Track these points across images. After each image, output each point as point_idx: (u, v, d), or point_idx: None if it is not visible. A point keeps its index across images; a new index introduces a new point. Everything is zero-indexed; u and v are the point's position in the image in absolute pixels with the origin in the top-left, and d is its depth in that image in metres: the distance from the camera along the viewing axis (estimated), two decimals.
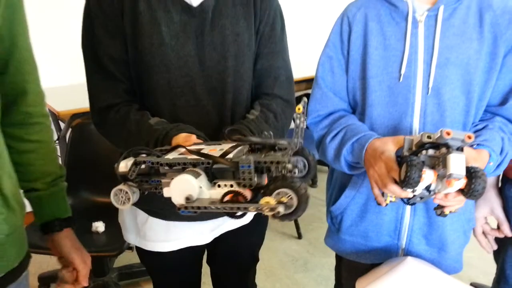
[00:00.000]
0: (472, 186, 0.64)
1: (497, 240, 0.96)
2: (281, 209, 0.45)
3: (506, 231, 0.92)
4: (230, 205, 0.47)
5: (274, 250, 2.06)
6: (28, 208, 0.74)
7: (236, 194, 0.48)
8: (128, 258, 1.83)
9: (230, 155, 0.51)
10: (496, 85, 0.81)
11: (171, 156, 0.55)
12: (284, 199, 0.46)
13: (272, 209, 0.46)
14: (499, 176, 0.95)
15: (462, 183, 0.65)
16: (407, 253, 0.87)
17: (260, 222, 0.96)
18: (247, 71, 0.81)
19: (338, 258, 1.00)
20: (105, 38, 0.74)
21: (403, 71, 0.79)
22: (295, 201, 0.46)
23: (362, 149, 0.77)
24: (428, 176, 0.65)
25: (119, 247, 1.37)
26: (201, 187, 0.48)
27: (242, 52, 0.79)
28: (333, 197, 0.93)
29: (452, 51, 0.78)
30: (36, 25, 2.00)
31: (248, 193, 0.48)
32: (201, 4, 0.76)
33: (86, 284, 0.78)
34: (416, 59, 0.79)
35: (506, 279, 0.95)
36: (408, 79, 0.79)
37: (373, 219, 0.87)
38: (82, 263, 0.77)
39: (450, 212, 0.75)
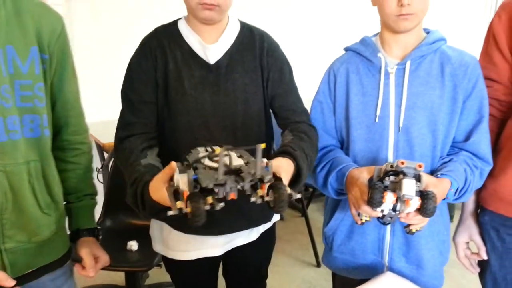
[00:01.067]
0: (424, 206, 0.78)
1: (480, 261, 1.07)
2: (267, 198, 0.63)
3: (483, 255, 1.04)
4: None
5: (292, 277, 2.18)
6: None
7: None
8: (157, 277, 2.02)
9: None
10: (460, 125, 0.95)
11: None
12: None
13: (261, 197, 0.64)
14: (478, 205, 1.07)
15: (417, 203, 0.80)
16: (390, 269, 1.00)
17: (266, 241, 1.12)
18: (256, 111, 1.00)
19: (333, 274, 1.13)
20: (140, 86, 0.97)
21: (378, 113, 0.96)
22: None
23: (343, 176, 0.94)
24: (389, 198, 0.81)
25: (149, 264, 1.57)
26: None
27: (250, 98, 0.99)
28: (326, 219, 1.09)
29: (418, 97, 0.94)
30: (90, 70, 2.35)
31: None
32: (216, 62, 0.97)
33: (91, 274, 0.94)
34: (388, 104, 0.96)
35: None
36: (383, 119, 0.96)
37: (359, 239, 1.01)
38: (90, 260, 0.94)
39: (416, 230, 0.89)
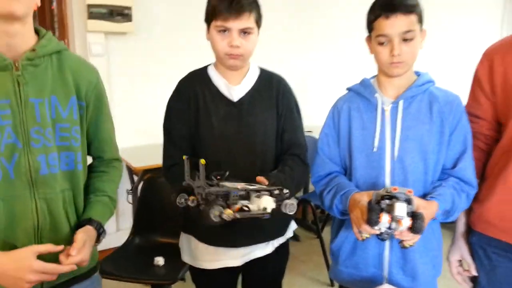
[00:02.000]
0: (414, 225, 0.93)
1: (472, 278, 1.19)
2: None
3: (473, 272, 1.16)
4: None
5: None
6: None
7: None
8: None
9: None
10: (447, 154, 1.10)
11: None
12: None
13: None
14: (468, 227, 1.19)
15: (408, 223, 0.94)
16: (389, 281, 1.13)
17: (280, 255, 1.27)
18: (271, 142, 1.18)
19: (340, 287, 1.27)
20: (178, 124, 1.17)
21: (376, 144, 1.12)
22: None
23: (346, 199, 1.09)
24: (385, 218, 0.95)
25: (175, 277, 1.72)
26: None
27: (267, 131, 1.17)
28: (333, 237, 1.23)
29: (410, 130, 1.10)
30: (124, 102, 2.59)
31: None
32: (239, 100, 1.16)
33: (80, 260, 0.92)
34: (384, 136, 1.11)
35: None
36: (380, 150, 1.11)
37: (361, 254, 1.15)
38: (81, 243, 0.93)
39: (409, 245, 1.03)
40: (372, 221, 0.95)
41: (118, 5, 2.39)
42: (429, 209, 1.01)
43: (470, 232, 1.18)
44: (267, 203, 0.90)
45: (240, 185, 0.92)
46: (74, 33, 2.42)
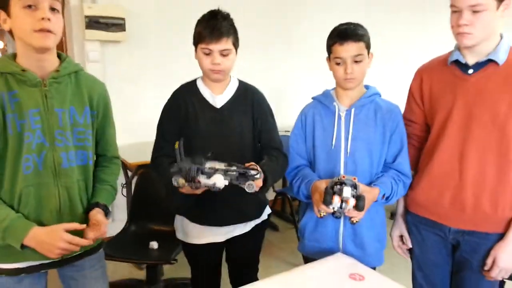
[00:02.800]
0: (357, 204, 1.22)
1: (409, 249, 1.49)
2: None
3: (409, 245, 1.46)
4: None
5: None
6: None
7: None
8: (171, 274, 2.43)
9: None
10: (389, 151, 1.40)
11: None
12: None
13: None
14: (405, 209, 1.49)
15: (353, 202, 1.23)
16: (343, 252, 1.42)
17: (256, 234, 1.55)
18: (248, 140, 1.44)
19: (304, 258, 1.55)
20: (169, 123, 1.43)
21: (333, 143, 1.40)
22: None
23: (309, 186, 1.37)
24: (336, 199, 1.23)
25: (168, 259, 1.96)
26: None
27: (244, 131, 1.43)
28: (300, 217, 1.52)
29: (359, 132, 1.38)
30: (120, 103, 2.80)
31: None
32: (222, 106, 1.42)
33: (102, 232, 1.19)
34: (340, 136, 1.40)
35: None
36: (336, 147, 1.40)
37: (321, 230, 1.44)
38: (101, 225, 1.20)
39: (356, 221, 1.32)
40: (326, 202, 1.23)
41: (112, 17, 2.63)
42: (371, 193, 1.30)
43: (406, 212, 1.48)
44: (217, 179, 1.18)
45: (220, 165, 1.20)
46: (73, 41, 2.64)
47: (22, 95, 1.12)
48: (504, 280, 1.61)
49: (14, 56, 1.15)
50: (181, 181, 1.17)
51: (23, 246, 1.10)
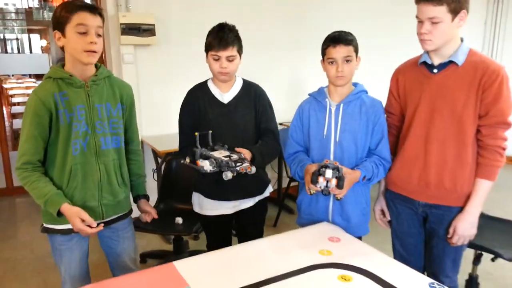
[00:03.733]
0: (338, 183, 1.50)
1: (389, 222, 1.76)
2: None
3: (388, 217, 1.73)
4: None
5: None
6: None
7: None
8: (195, 247, 2.79)
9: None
10: (371, 140, 1.65)
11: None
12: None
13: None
14: (386, 187, 1.75)
15: (334, 182, 1.51)
16: (332, 223, 1.70)
17: (259, 208, 1.84)
18: (251, 130, 1.74)
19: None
20: (186, 118, 1.75)
21: (325, 133, 1.68)
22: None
23: (303, 168, 1.66)
24: (321, 179, 1.52)
25: (190, 231, 2.32)
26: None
27: (247, 123, 1.73)
28: (298, 195, 1.82)
29: (346, 124, 1.65)
30: (151, 100, 3.16)
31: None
32: (228, 102, 1.73)
33: (155, 215, 1.69)
34: (331, 127, 1.67)
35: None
36: (327, 136, 1.68)
37: (314, 206, 1.72)
38: (152, 212, 1.69)
39: (340, 198, 1.59)
40: (313, 181, 1.52)
41: (144, 23, 2.99)
42: (353, 175, 1.57)
43: (386, 190, 1.75)
44: (204, 164, 1.51)
45: (222, 153, 1.52)
46: (111, 46, 3.02)
47: (70, 94, 1.44)
48: (481, 253, 1.86)
49: (62, 65, 1.49)
50: (187, 160, 1.55)
51: (59, 214, 1.41)
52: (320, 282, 1.27)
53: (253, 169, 1.52)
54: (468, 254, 2.06)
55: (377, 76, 2.71)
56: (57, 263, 1.57)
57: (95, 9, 1.41)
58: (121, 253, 1.66)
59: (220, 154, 1.53)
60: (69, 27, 1.39)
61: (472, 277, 2.18)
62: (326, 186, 1.53)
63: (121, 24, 2.92)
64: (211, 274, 1.31)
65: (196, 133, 1.57)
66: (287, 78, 3.77)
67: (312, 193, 1.63)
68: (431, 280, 1.27)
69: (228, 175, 1.47)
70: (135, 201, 1.73)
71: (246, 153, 1.58)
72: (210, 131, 1.59)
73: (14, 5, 19.67)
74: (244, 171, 1.50)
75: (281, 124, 2.85)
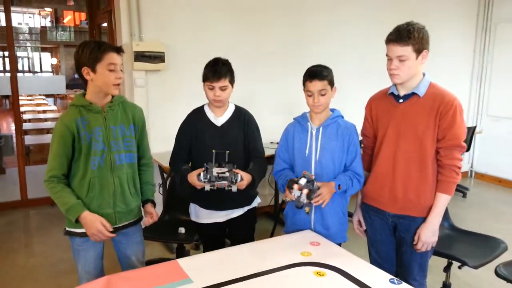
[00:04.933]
0: (308, 194, 1.74)
1: (365, 231, 2.00)
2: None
3: (364, 227, 1.97)
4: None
5: None
6: None
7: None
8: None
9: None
10: (347, 158, 1.91)
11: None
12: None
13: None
14: (362, 201, 2.00)
15: (306, 192, 1.74)
16: (314, 231, 1.95)
17: (249, 217, 2.09)
18: (240, 149, 2.00)
19: None
20: (182, 139, 2.03)
21: (307, 152, 1.94)
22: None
23: (286, 182, 1.92)
24: (295, 187, 1.74)
25: (191, 239, 2.56)
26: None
27: (237, 144, 2.00)
28: (286, 207, 2.07)
29: (325, 145, 1.91)
30: (159, 120, 3.46)
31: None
32: (221, 125, 2.00)
33: (155, 218, 1.91)
34: (312, 147, 1.93)
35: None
36: (309, 155, 1.93)
37: (298, 216, 1.96)
38: (153, 214, 1.91)
39: (308, 211, 1.84)
40: (289, 187, 1.76)
41: (154, 51, 3.32)
42: (328, 186, 1.81)
43: (362, 203, 2.00)
44: (202, 173, 1.82)
45: (221, 170, 1.80)
46: (124, 71, 3.34)
47: (90, 118, 1.70)
48: (451, 262, 2.08)
49: (83, 94, 1.74)
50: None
51: (77, 221, 1.66)
52: (298, 276, 1.51)
53: (234, 188, 1.80)
54: (442, 264, 2.29)
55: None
56: (75, 261, 1.83)
57: (120, 50, 1.71)
58: (131, 255, 1.91)
59: (220, 170, 1.81)
60: (100, 65, 1.66)
61: (445, 285, 2.40)
62: (299, 196, 1.76)
63: (134, 52, 3.25)
64: (208, 269, 1.56)
65: (214, 151, 1.86)
66: (283, 100, 4.07)
67: (287, 200, 1.86)
68: (391, 277, 1.51)
69: (206, 187, 1.79)
70: (143, 205, 1.93)
71: (246, 176, 1.85)
72: (227, 151, 1.88)
73: (27, 24, 20.51)
74: (220, 187, 1.80)
75: (278, 143, 3.12)
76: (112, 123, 1.76)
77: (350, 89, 3.80)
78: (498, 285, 2.13)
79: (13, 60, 4.37)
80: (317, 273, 1.53)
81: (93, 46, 1.66)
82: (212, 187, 1.79)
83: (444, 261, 2.29)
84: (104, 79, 1.68)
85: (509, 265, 2.05)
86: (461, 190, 4.92)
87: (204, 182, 1.79)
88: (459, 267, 2.16)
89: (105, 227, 1.68)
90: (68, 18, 19.05)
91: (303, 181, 1.74)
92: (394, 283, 1.46)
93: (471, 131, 4.84)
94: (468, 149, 4.94)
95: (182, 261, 1.61)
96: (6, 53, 4.54)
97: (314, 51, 4.10)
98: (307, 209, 1.85)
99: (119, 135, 1.77)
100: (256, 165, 1.97)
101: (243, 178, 1.83)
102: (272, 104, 3.91)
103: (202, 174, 1.80)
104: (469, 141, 4.87)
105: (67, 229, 1.80)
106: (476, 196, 4.96)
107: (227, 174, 1.80)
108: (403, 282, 1.46)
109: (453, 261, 2.21)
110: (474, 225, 4.00)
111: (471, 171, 5.73)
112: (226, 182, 1.79)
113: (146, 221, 1.91)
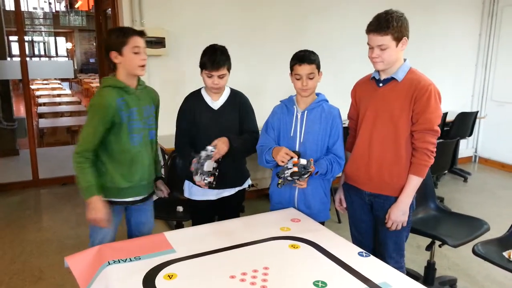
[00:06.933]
0: (296, 172, 1.85)
1: (346, 208, 2.10)
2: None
3: (344, 205, 2.07)
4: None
5: None
6: None
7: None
8: None
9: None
10: (329, 141, 2.00)
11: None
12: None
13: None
14: (344, 180, 2.09)
15: (294, 169, 1.85)
16: (297, 209, 2.05)
17: (238, 196, 2.22)
18: (235, 130, 2.11)
19: None
20: (182, 122, 2.15)
21: (292, 134, 2.04)
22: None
23: (270, 151, 1.97)
24: (291, 161, 1.86)
25: (188, 217, 2.72)
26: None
27: (232, 125, 2.11)
28: (270, 186, 2.18)
29: (309, 127, 2.00)
30: (163, 103, 3.53)
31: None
32: (218, 108, 2.11)
33: (166, 194, 2.13)
34: (296, 129, 2.02)
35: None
36: (294, 136, 2.02)
37: (283, 195, 2.06)
38: (165, 190, 2.12)
39: (280, 185, 1.93)
40: (284, 159, 1.86)
41: (155, 36, 3.42)
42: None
43: (343, 183, 2.09)
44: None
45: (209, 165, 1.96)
46: None
47: (127, 99, 1.84)
48: (433, 241, 2.16)
49: (114, 75, 1.85)
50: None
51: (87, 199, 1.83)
52: (274, 248, 1.63)
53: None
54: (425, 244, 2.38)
55: None
56: (90, 230, 1.97)
57: (143, 34, 1.84)
58: (146, 222, 2.10)
59: (209, 164, 1.97)
60: (126, 49, 1.79)
61: (429, 263, 2.49)
62: (287, 168, 1.85)
63: None
64: (192, 241, 1.68)
65: (209, 148, 2.00)
66: (284, 86, 4.13)
67: (279, 178, 1.96)
68: (360, 250, 1.61)
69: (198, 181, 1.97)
70: (155, 181, 2.11)
71: (223, 140, 1.99)
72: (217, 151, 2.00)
73: (42, 9, 20.76)
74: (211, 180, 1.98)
75: None
76: (143, 104, 1.92)
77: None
78: (487, 266, 2.21)
79: (22, 44, 4.51)
80: (292, 245, 1.64)
81: (118, 31, 1.82)
82: (208, 182, 1.99)
83: (427, 242, 2.38)
84: (131, 61, 1.81)
85: (487, 244, 2.13)
86: (462, 175, 4.95)
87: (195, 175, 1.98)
88: (440, 246, 2.25)
89: (103, 221, 1.83)
90: (79, 3, 19.20)
91: (303, 161, 1.83)
92: (362, 255, 1.57)
93: (473, 116, 4.83)
94: (470, 134, 4.94)
95: (168, 234, 1.74)
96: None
97: (313, 33, 4.13)
98: (280, 181, 1.93)
99: (149, 113, 1.95)
100: (238, 136, 2.08)
101: (220, 144, 1.98)
102: (273, 88, 3.98)
103: (193, 164, 1.96)
104: (471, 126, 4.87)
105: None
106: (477, 180, 4.99)
107: (217, 172, 1.98)
108: (371, 255, 1.56)
109: (436, 241, 2.30)
110: (471, 209, 4.06)
111: (475, 156, 5.73)
112: (213, 176, 1.98)
113: (161, 193, 2.13)
